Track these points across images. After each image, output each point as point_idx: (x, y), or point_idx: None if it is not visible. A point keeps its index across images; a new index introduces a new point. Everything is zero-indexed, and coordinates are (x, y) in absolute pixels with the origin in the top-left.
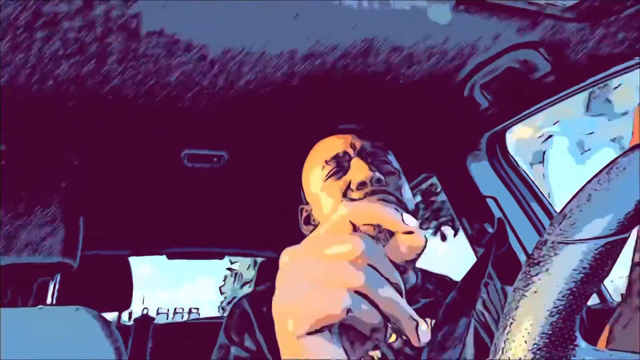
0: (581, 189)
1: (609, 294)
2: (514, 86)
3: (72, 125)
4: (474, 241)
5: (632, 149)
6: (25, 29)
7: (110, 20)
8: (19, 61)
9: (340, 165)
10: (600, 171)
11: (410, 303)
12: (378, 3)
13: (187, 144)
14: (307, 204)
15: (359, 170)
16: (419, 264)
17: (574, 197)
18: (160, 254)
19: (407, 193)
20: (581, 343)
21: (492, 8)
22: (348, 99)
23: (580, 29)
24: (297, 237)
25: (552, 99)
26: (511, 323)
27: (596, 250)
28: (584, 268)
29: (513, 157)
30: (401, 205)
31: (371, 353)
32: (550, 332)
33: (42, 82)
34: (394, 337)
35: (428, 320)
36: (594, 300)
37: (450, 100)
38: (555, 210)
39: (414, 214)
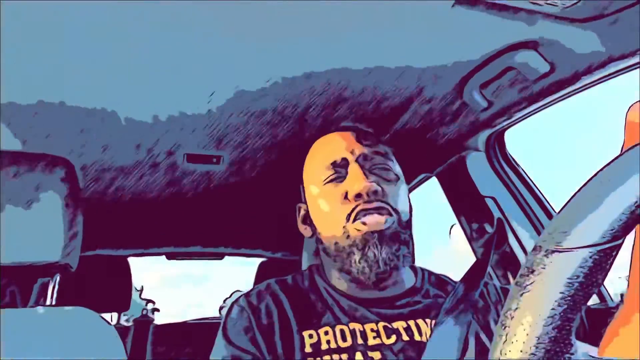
0: (574, 196)
1: (609, 295)
2: (513, 86)
3: (72, 126)
4: (473, 241)
5: (624, 153)
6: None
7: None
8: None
9: (338, 171)
10: (593, 177)
11: (410, 304)
12: (378, 3)
13: (187, 144)
14: (305, 202)
15: (355, 180)
16: (419, 263)
17: (566, 204)
18: (160, 254)
19: (404, 202)
20: (577, 351)
21: (491, 8)
22: (348, 99)
23: (580, 29)
24: (297, 237)
25: (552, 98)
26: (507, 332)
27: (590, 258)
28: (577, 276)
29: (512, 157)
30: (397, 214)
31: (371, 354)
32: (545, 341)
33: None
34: (393, 338)
35: (428, 320)
36: (593, 300)
37: (450, 100)
38: (554, 210)
39: (408, 223)
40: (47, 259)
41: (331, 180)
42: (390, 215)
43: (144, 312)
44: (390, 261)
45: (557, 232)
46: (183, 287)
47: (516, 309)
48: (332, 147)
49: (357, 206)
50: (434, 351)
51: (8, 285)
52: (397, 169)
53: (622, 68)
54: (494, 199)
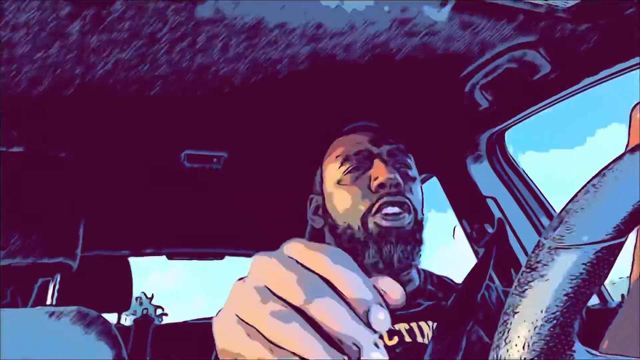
0: (577, 193)
1: (609, 295)
2: (514, 86)
3: (72, 125)
4: (474, 242)
5: (628, 152)
6: (28, 29)
7: (112, 19)
8: (20, 60)
9: (361, 162)
10: (596, 175)
11: (412, 305)
12: (379, 3)
13: (187, 144)
14: (319, 194)
15: (379, 172)
16: (423, 263)
17: (570, 201)
18: (160, 254)
19: (420, 202)
20: (579, 349)
21: (491, 8)
22: (348, 100)
23: (580, 29)
24: (297, 237)
25: (552, 99)
26: (508, 329)
27: (593, 255)
28: (580, 273)
29: (513, 157)
30: (415, 212)
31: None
32: (547, 339)
33: (42, 83)
34: (395, 339)
35: (430, 322)
36: (594, 300)
37: (450, 100)
38: (555, 211)
39: (421, 223)
40: (47, 259)
41: (352, 171)
42: (410, 212)
43: (144, 312)
44: (405, 259)
45: (560, 229)
46: (184, 289)
47: (518, 305)
48: (356, 140)
49: (379, 198)
50: (436, 353)
51: (8, 285)
52: (416, 171)
53: (623, 68)
54: (494, 199)
